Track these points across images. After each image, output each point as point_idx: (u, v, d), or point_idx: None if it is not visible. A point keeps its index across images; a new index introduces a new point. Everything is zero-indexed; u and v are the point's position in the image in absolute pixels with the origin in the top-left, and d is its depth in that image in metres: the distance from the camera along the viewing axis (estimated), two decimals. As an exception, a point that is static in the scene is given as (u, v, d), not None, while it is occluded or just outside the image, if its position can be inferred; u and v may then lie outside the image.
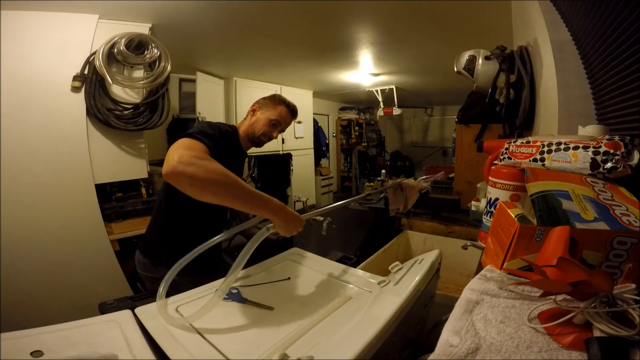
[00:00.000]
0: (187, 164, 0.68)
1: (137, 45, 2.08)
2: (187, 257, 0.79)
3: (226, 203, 0.73)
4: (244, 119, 1.25)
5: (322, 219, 1.31)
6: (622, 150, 0.58)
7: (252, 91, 4.15)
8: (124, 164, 2.19)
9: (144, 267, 1.16)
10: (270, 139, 1.22)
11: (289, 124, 1.27)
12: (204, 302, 0.74)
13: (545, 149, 0.70)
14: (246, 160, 3.97)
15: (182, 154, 0.70)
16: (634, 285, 0.40)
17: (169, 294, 0.77)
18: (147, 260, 1.15)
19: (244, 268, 0.94)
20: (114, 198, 2.28)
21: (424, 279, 0.77)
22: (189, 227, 1.10)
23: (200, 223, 1.11)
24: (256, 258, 0.98)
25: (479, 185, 1.55)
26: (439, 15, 2.14)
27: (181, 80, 3.57)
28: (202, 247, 0.81)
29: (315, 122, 5.61)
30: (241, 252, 0.71)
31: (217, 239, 0.82)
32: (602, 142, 0.61)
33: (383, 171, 3.35)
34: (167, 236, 1.14)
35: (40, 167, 1.84)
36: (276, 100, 1.22)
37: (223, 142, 0.98)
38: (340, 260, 1.24)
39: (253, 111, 1.23)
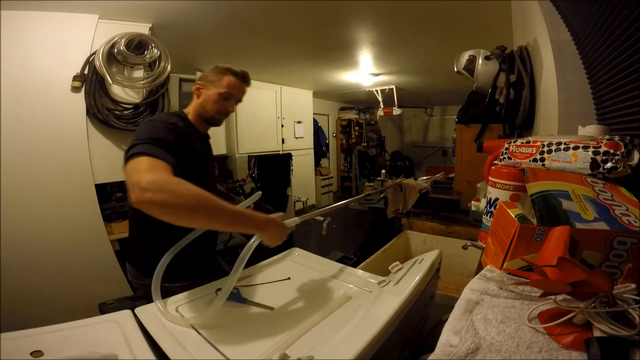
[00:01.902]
0: (155, 191, 0.62)
1: (137, 45, 2.08)
2: (166, 256, 0.77)
3: (206, 226, 0.68)
4: (192, 101, 1.13)
5: (322, 219, 1.31)
6: (622, 150, 0.58)
7: (252, 91, 4.11)
8: (123, 164, 2.18)
9: (134, 276, 1.10)
10: (227, 114, 1.11)
11: (244, 92, 1.14)
12: (203, 303, 0.74)
13: (545, 149, 0.70)
14: (246, 160, 4.00)
15: (146, 179, 0.64)
16: (634, 285, 0.40)
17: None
18: (133, 269, 1.10)
19: (242, 268, 0.94)
20: (114, 198, 2.28)
21: (424, 279, 0.77)
22: (166, 230, 1.03)
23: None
24: (256, 258, 0.98)
25: (479, 185, 1.55)
26: (439, 15, 2.14)
27: (181, 80, 3.56)
28: (179, 245, 0.79)
29: (315, 122, 5.61)
30: (241, 252, 0.70)
31: (191, 235, 0.78)
32: (602, 142, 0.61)
33: (383, 171, 3.35)
34: (147, 243, 1.06)
35: (40, 166, 1.84)
36: (220, 70, 1.08)
37: (177, 137, 0.90)
38: (340, 260, 1.24)
39: (197, 90, 1.10)
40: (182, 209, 0.63)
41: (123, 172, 0.74)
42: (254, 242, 0.73)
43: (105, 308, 1.24)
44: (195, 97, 1.10)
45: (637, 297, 0.37)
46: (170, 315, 0.67)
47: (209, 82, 1.08)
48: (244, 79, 1.11)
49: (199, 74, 3.30)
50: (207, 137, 1.19)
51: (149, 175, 0.66)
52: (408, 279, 0.77)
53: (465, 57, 1.62)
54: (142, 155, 0.73)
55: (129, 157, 0.73)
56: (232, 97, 1.09)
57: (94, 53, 1.94)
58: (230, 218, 0.68)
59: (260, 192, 1.03)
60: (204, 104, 1.08)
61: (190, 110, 1.10)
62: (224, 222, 0.68)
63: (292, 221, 0.87)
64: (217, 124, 1.13)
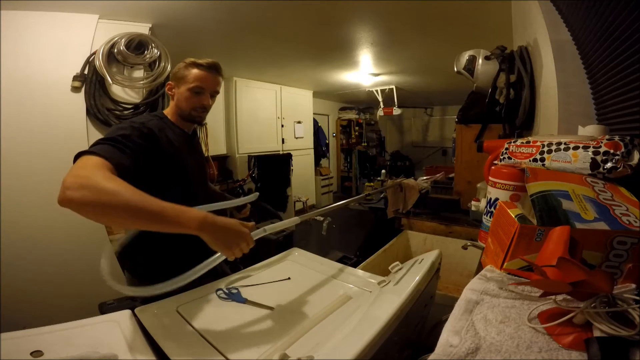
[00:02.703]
0: (75, 189, 0.59)
1: (137, 45, 2.08)
2: (178, 281, 0.66)
3: (131, 226, 0.63)
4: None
5: (322, 219, 1.31)
6: (622, 150, 0.58)
7: (252, 91, 4.15)
8: (124, 164, 2.18)
9: (131, 283, 1.02)
10: (204, 109, 1.05)
11: (217, 83, 1.06)
12: (204, 303, 0.74)
13: (545, 149, 0.70)
14: (246, 160, 4.00)
15: (70, 177, 0.62)
16: (634, 285, 0.40)
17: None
18: (130, 276, 1.04)
19: (242, 268, 0.95)
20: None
21: (424, 279, 0.77)
22: (161, 236, 0.91)
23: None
24: (256, 258, 0.98)
25: (479, 185, 1.55)
26: (439, 15, 2.14)
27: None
28: (198, 271, 0.67)
29: (315, 122, 5.61)
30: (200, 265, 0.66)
31: (212, 260, 0.68)
32: (602, 142, 0.61)
33: (383, 171, 3.36)
34: (142, 248, 0.98)
35: (40, 167, 1.84)
36: (185, 66, 1.03)
37: (141, 135, 0.86)
38: (340, 260, 1.24)
39: (170, 90, 1.06)
40: (100, 206, 0.60)
41: None
42: (212, 262, 0.66)
43: (105, 308, 1.23)
44: (170, 98, 1.07)
45: (637, 297, 0.37)
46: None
47: (178, 80, 1.04)
48: (210, 69, 1.03)
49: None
50: (193, 135, 1.15)
51: (75, 173, 0.63)
52: (408, 279, 0.77)
53: (465, 57, 1.62)
54: (81, 156, 0.70)
55: (74, 160, 0.71)
56: (204, 91, 1.03)
57: (94, 53, 1.94)
58: (153, 215, 0.61)
59: (257, 193, 1.01)
60: (178, 104, 1.04)
61: (168, 111, 1.07)
62: (147, 220, 0.62)
63: (308, 215, 0.79)
64: (198, 120, 1.08)
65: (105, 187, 0.61)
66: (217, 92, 1.08)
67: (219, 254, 0.66)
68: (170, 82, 1.06)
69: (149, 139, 0.88)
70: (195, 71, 1.01)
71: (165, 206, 0.62)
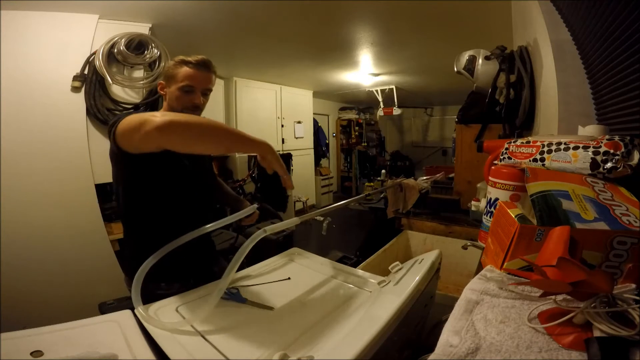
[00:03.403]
0: (161, 116, 0.67)
1: (137, 45, 2.08)
2: (149, 260, 0.74)
3: (214, 148, 0.77)
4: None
5: (322, 219, 1.31)
6: (622, 150, 0.58)
7: (252, 91, 4.15)
8: (124, 164, 2.18)
9: (127, 283, 1.00)
10: (196, 107, 1.02)
11: (208, 80, 1.03)
12: (204, 303, 0.74)
13: (545, 149, 0.70)
14: (246, 160, 3.99)
15: (146, 115, 0.69)
16: (634, 285, 0.40)
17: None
18: (125, 276, 1.04)
19: (242, 268, 0.94)
20: (114, 198, 2.28)
21: (424, 279, 0.77)
22: (156, 235, 0.89)
23: (169, 228, 0.92)
24: (256, 258, 0.98)
25: (479, 185, 1.55)
26: (439, 15, 2.14)
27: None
28: (165, 249, 0.76)
29: (315, 122, 5.62)
30: (237, 252, 0.68)
31: (179, 240, 0.77)
32: (602, 142, 0.61)
33: (383, 171, 3.36)
34: (135, 247, 0.99)
35: (40, 167, 1.84)
36: (175, 64, 1.01)
37: None
38: (340, 260, 1.24)
39: (161, 90, 1.04)
40: (194, 127, 0.69)
41: (111, 141, 0.79)
42: (256, 237, 0.70)
43: (105, 308, 1.23)
44: (163, 97, 1.05)
45: (637, 297, 0.37)
46: (156, 321, 0.65)
47: (168, 79, 1.01)
48: (200, 66, 1.00)
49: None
50: None
51: (153, 115, 0.70)
52: (408, 279, 0.77)
53: (465, 57, 1.62)
54: (117, 124, 0.76)
55: (117, 123, 0.77)
56: (194, 89, 1.00)
57: (94, 53, 1.94)
58: (234, 136, 0.75)
59: (255, 205, 0.99)
60: (170, 103, 1.02)
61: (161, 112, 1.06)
62: (229, 140, 0.75)
63: (308, 215, 0.85)
64: None
65: (183, 114, 0.74)
66: (209, 90, 1.05)
67: (251, 238, 0.70)
68: (161, 81, 1.04)
69: None
70: (184, 69, 0.98)
71: (240, 131, 0.75)
